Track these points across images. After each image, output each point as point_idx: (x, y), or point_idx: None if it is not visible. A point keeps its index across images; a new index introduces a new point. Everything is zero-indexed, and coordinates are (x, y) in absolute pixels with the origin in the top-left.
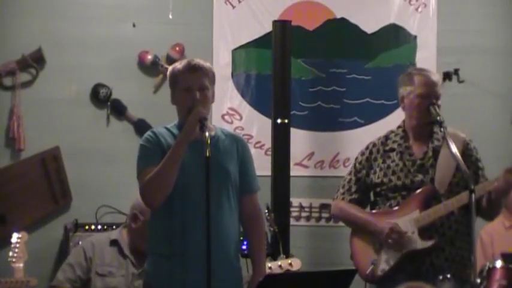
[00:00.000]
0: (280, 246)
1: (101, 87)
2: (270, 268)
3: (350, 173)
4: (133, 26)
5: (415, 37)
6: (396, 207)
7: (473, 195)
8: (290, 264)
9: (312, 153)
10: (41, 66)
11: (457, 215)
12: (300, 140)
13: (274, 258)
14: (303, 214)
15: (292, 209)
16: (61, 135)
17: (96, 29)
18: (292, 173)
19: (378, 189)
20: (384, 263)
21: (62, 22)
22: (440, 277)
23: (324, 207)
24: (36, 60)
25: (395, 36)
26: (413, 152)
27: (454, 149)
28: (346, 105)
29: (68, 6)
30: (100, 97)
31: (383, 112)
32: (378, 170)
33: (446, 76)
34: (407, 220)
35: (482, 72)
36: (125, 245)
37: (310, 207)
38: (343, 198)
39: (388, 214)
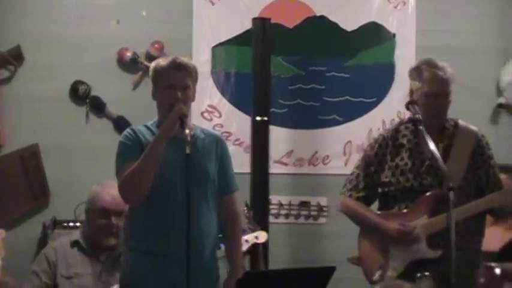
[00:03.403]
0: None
1: (80, 84)
2: None
3: (358, 167)
4: (118, 22)
5: (394, 35)
6: (404, 211)
7: (451, 193)
8: (256, 237)
9: (291, 151)
10: (20, 63)
11: (466, 220)
12: (279, 137)
13: (253, 258)
14: (282, 211)
15: (271, 207)
16: (40, 132)
17: (75, 26)
18: (271, 171)
19: (386, 189)
20: (392, 269)
21: (40, 19)
22: (419, 275)
23: (303, 204)
24: (14, 57)
25: (375, 34)
26: (423, 150)
27: (433, 146)
28: (326, 103)
29: (47, 4)
30: (79, 94)
31: (362, 110)
32: (386, 168)
33: None
34: (415, 226)
35: (462, 71)
36: (86, 244)
37: (289, 204)
38: (350, 195)
39: (396, 217)
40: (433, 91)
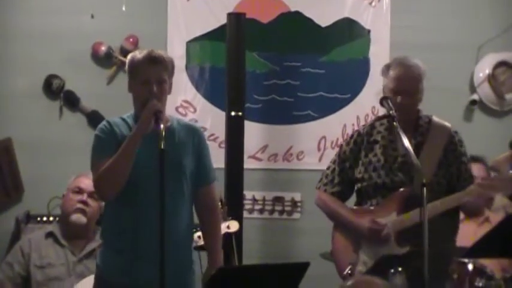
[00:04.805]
0: (233, 239)
1: (54, 78)
2: None
3: (334, 162)
4: (92, 17)
5: (369, 31)
6: (375, 208)
7: (424, 189)
8: (228, 227)
9: (266, 146)
10: None
11: (439, 216)
12: (253, 132)
13: (226, 253)
14: (256, 207)
15: (245, 202)
16: (13, 127)
17: (49, 20)
18: (245, 166)
19: (359, 185)
20: (362, 264)
21: (14, 12)
22: (392, 270)
23: (277, 200)
24: None
25: (349, 31)
26: (396, 147)
27: (407, 142)
28: (300, 98)
29: None
30: (53, 88)
31: (336, 106)
32: (360, 164)
33: None
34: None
35: (435, 68)
36: (60, 235)
37: (264, 200)
38: (325, 190)
39: (367, 213)
40: (396, 88)
